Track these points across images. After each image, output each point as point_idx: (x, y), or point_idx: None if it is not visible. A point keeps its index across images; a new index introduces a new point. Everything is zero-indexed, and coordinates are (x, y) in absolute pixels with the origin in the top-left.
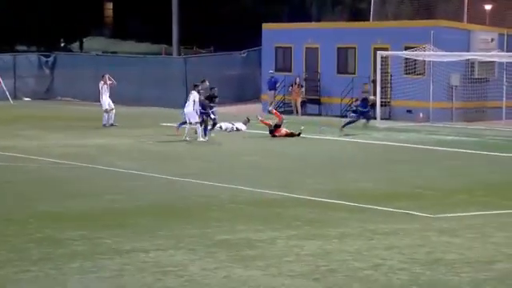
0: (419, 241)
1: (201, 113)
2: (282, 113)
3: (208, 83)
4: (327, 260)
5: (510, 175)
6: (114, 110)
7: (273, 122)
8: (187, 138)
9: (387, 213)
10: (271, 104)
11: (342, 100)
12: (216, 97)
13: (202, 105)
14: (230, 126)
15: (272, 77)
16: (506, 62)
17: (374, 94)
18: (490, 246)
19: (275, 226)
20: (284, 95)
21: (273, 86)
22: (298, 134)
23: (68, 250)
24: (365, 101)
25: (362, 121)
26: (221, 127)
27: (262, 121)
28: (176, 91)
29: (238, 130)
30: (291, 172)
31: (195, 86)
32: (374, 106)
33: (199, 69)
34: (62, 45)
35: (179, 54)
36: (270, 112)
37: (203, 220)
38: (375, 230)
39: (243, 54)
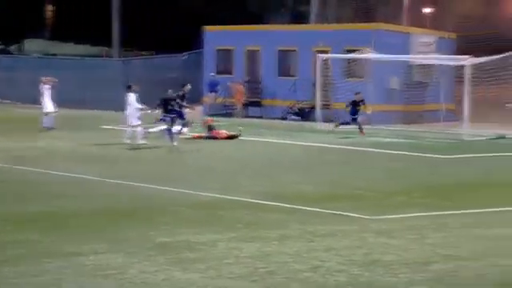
0: (357, 242)
1: (178, 114)
2: (223, 115)
3: (190, 86)
4: (266, 262)
5: (448, 177)
6: (54, 113)
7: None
8: (127, 141)
9: (326, 214)
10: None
11: (282, 103)
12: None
13: (179, 106)
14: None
15: (212, 79)
16: (445, 65)
17: (314, 97)
18: (427, 247)
19: (215, 229)
20: (225, 98)
21: (213, 88)
22: (237, 136)
23: (6, 254)
24: (355, 106)
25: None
26: (161, 130)
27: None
28: (116, 94)
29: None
30: (232, 174)
31: (129, 88)
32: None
33: (140, 71)
34: (1, 47)
35: (120, 57)
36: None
37: (143, 223)
38: (314, 231)
39: (184, 56)
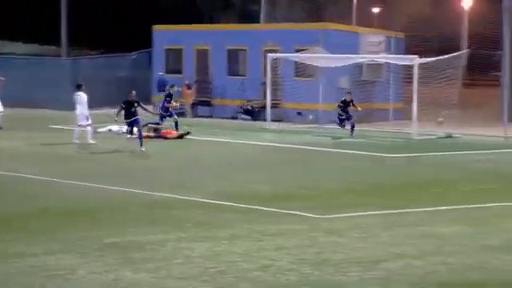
0: (307, 241)
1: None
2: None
3: (177, 88)
4: (216, 262)
5: (397, 176)
6: (1, 113)
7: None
8: (76, 141)
9: (276, 214)
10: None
11: (232, 102)
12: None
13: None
14: (119, 128)
15: (161, 78)
16: (393, 64)
17: (265, 97)
18: (377, 246)
19: (165, 229)
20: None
21: (162, 87)
22: (186, 134)
23: None
24: (343, 105)
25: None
26: (110, 130)
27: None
28: (65, 93)
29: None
30: (182, 174)
31: (79, 87)
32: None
33: (89, 70)
34: None
35: (68, 56)
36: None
37: (93, 222)
38: (264, 231)
39: (133, 55)
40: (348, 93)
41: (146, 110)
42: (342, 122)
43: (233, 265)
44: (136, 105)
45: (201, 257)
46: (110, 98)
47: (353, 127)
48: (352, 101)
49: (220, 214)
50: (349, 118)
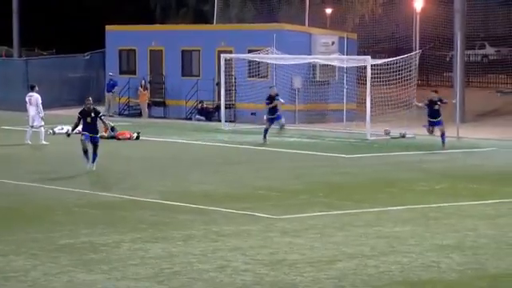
0: (262, 242)
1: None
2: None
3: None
4: (172, 262)
5: (350, 176)
6: None
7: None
8: (29, 142)
9: (231, 214)
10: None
11: (186, 102)
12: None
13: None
14: (68, 128)
15: (111, 79)
16: (346, 66)
17: (219, 97)
18: (331, 246)
19: (120, 230)
20: (129, 98)
21: (110, 88)
22: (137, 137)
23: None
24: (269, 101)
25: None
26: (53, 132)
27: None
28: (17, 94)
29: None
30: (135, 175)
31: (32, 88)
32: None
33: (41, 71)
34: None
35: (20, 56)
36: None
37: (46, 224)
38: (219, 231)
39: (86, 56)
40: (271, 87)
41: (104, 123)
42: (272, 122)
43: (188, 265)
44: (93, 115)
45: (156, 258)
46: (62, 98)
47: (282, 126)
48: (277, 94)
49: (175, 214)
50: (278, 117)
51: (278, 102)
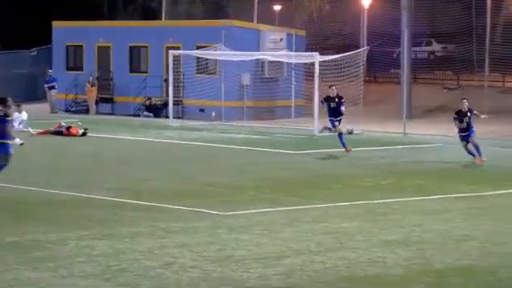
0: (210, 238)
1: None
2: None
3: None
4: (118, 260)
5: (298, 172)
6: None
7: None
8: None
9: (178, 211)
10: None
11: (134, 99)
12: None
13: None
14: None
15: (50, 76)
16: (295, 62)
17: (167, 94)
18: (278, 242)
19: (66, 227)
20: (76, 94)
21: (50, 85)
22: (84, 134)
23: None
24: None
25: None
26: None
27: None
28: None
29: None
30: (82, 172)
31: None
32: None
33: None
34: None
35: None
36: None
37: None
38: (167, 228)
39: (33, 52)
40: (331, 86)
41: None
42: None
43: (135, 262)
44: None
45: (102, 255)
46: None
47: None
48: (341, 98)
49: (122, 211)
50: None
51: (334, 104)
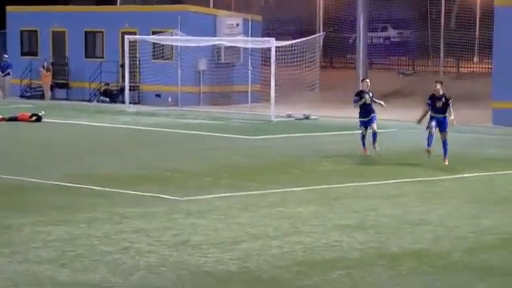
0: (167, 223)
1: None
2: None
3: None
4: (74, 245)
5: (254, 157)
6: None
7: None
8: None
9: (135, 196)
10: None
11: (90, 84)
12: None
13: None
14: None
15: (5, 61)
16: (251, 47)
17: (123, 79)
18: (235, 227)
19: (22, 213)
20: (31, 80)
21: (4, 70)
22: (38, 119)
23: None
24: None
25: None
26: None
27: None
28: None
29: None
30: (37, 157)
31: None
32: None
33: None
34: None
35: None
36: None
37: None
38: (123, 213)
39: None
40: (363, 80)
41: None
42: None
43: (91, 248)
44: None
45: (58, 240)
46: None
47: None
48: (372, 93)
49: (78, 197)
50: (373, 119)
51: (368, 99)
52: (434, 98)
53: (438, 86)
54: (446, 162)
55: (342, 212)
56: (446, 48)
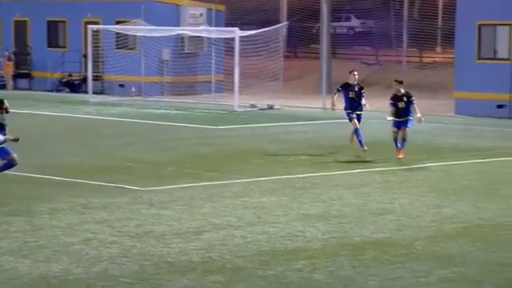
0: (130, 214)
1: None
2: None
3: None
4: (36, 236)
5: (218, 147)
6: None
7: None
8: None
9: (98, 187)
10: None
11: (52, 74)
12: None
13: None
14: None
15: None
16: (215, 37)
17: (86, 69)
18: (199, 217)
19: None
20: None
21: None
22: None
23: None
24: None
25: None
26: None
27: None
28: None
29: None
30: None
31: None
32: None
33: None
34: None
35: None
36: None
37: None
38: (86, 204)
39: None
40: (351, 72)
41: None
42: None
43: (53, 239)
44: None
45: (20, 231)
46: None
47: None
48: (361, 88)
49: (40, 187)
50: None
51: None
52: (396, 98)
53: (398, 86)
54: (401, 155)
55: (305, 202)
56: (409, 38)
